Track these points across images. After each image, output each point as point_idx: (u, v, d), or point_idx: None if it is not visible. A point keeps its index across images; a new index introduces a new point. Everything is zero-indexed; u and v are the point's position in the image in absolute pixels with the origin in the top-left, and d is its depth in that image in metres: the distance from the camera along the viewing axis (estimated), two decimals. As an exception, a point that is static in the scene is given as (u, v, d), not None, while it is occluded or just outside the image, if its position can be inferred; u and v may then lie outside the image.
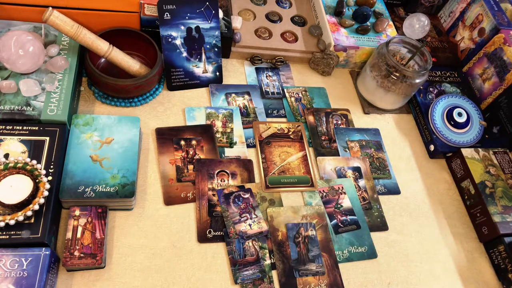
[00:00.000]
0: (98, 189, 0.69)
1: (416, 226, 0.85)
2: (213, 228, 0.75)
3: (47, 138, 0.70)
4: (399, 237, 0.83)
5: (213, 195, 0.78)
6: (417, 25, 0.95)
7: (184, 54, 0.89)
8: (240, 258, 0.72)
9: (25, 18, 0.80)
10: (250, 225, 0.75)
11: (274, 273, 0.73)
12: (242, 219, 0.75)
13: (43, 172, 0.65)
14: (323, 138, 0.92)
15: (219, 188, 0.79)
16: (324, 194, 0.84)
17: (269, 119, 0.92)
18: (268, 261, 0.73)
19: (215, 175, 0.80)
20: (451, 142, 0.94)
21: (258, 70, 0.99)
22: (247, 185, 0.80)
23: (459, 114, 0.96)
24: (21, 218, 0.60)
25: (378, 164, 0.91)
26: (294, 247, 0.75)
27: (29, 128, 0.70)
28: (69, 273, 0.66)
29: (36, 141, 0.69)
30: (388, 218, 0.85)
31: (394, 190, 0.89)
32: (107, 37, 0.81)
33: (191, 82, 0.91)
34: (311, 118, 0.94)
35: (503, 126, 0.97)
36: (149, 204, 0.75)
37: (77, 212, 0.68)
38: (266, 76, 0.99)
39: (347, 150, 0.91)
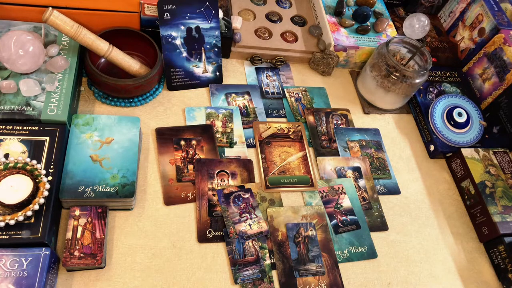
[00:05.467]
0: (98, 189, 0.69)
1: (416, 226, 0.85)
2: (213, 228, 0.75)
3: (47, 138, 0.70)
4: (399, 237, 0.83)
5: (213, 195, 0.78)
6: (417, 25, 0.95)
7: (184, 54, 0.89)
8: (240, 258, 0.72)
9: (25, 18, 0.80)
10: (250, 225, 0.75)
11: (274, 273, 0.73)
12: (242, 219, 0.75)
13: (43, 172, 0.65)
14: (323, 138, 0.92)
15: (219, 188, 0.79)
16: (324, 194, 0.84)
17: (269, 119, 0.92)
18: (268, 261, 0.73)
19: (215, 175, 0.80)
20: (451, 142, 0.94)
21: (258, 70, 0.99)
22: (247, 185, 0.80)
23: (459, 114, 0.96)
24: (21, 218, 0.60)
25: (378, 164, 0.91)
26: (294, 247, 0.75)
27: (29, 128, 0.70)
28: (69, 273, 0.66)
29: (36, 141, 0.69)
30: (388, 218, 0.85)
31: (394, 190, 0.89)
32: (107, 37, 0.81)
33: (191, 82, 0.91)
34: (311, 118, 0.94)
35: (503, 126, 0.97)
36: (149, 204, 0.75)
37: (77, 212, 0.68)
38: (266, 76, 0.99)
39: (347, 150, 0.91)
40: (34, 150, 0.68)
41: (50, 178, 0.66)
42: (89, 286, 0.65)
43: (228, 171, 0.81)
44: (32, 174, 0.64)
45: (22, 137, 0.69)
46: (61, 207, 0.71)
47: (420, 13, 0.96)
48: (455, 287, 0.80)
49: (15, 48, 0.70)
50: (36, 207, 0.61)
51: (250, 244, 0.74)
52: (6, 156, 0.67)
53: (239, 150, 0.85)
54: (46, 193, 0.63)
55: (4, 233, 0.60)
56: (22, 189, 0.63)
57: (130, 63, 0.82)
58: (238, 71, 0.98)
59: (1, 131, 0.69)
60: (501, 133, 0.97)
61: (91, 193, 0.69)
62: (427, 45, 1.13)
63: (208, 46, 0.90)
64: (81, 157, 0.72)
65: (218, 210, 0.76)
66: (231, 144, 0.85)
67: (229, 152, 0.84)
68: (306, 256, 0.75)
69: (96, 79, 0.79)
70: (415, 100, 1.02)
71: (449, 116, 0.96)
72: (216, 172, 0.80)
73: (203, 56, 0.91)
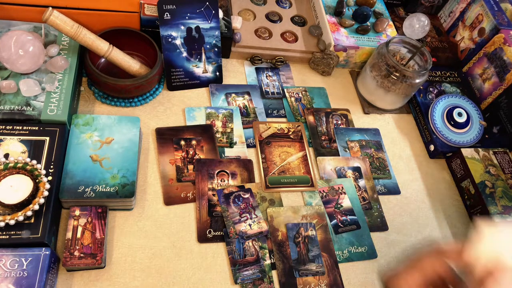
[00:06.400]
0: (98, 189, 0.69)
1: (416, 226, 0.85)
2: (213, 228, 0.75)
3: (47, 138, 0.70)
4: (399, 237, 0.83)
5: (213, 195, 0.78)
6: (417, 25, 0.95)
7: (184, 54, 0.89)
8: (240, 258, 0.72)
9: (25, 18, 0.80)
10: (250, 225, 0.75)
11: (274, 273, 0.73)
12: (242, 219, 0.75)
13: (43, 172, 0.65)
14: (323, 138, 0.92)
15: (219, 188, 0.79)
16: (324, 194, 0.84)
17: (269, 119, 0.92)
18: (268, 261, 0.73)
19: (215, 175, 0.80)
20: (451, 142, 0.94)
21: (258, 70, 0.99)
22: (247, 185, 0.80)
23: (459, 114, 0.96)
24: (21, 218, 0.60)
25: (378, 164, 0.91)
26: (294, 247, 0.75)
27: (29, 128, 0.70)
28: (69, 273, 0.66)
29: (36, 141, 0.69)
30: (388, 218, 0.85)
31: (394, 190, 0.89)
32: (107, 37, 0.81)
33: (191, 82, 0.91)
34: (311, 118, 0.94)
35: (503, 126, 0.97)
36: (149, 204, 0.75)
37: (77, 212, 0.68)
38: (266, 76, 0.99)
39: (347, 150, 0.91)
40: (34, 150, 0.68)
41: (50, 178, 0.66)
42: (89, 286, 0.65)
43: (228, 171, 0.81)
44: (32, 174, 0.64)
45: (22, 137, 0.69)
46: (61, 207, 0.71)
47: (420, 13, 0.96)
48: (455, 287, 0.80)
49: (15, 48, 0.70)
50: (36, 207, 0.61)
51: (250, 244, 0.74)
52: (6, 156, 0.67)
53: (239, 150, 0.85)
54: (46, 193, 0.63)
55: (4, 233, 0.60)
56: (22, 189, 0.63)
57: (130, 63, 0.82)
58: (238, 71, 0.98)
59: (1, 131, 0.69)
60: (501, 133, 0.97)
61: (91, 193, 0.69)
62: (427, 45, 1.13)
63: (208, 46, 0.90)
64: (81, 157, 0.72)
65: (218, 210, 0.76)
66: (231, 144, 0.85)
67: (229, 152, 0.84)
68: (306, 256, 0.75)
69: (96, 79, 0.79)
70: (415, 100, 1.02)
71: (449, 116, 0.96)
72: (216, 172, 0.80)
73: (203, 56, 0.91)
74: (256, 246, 0.74)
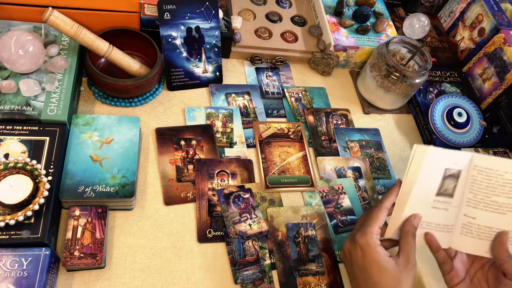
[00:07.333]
0: (98, 189, 0.69)
1: (416, 226, 0.85)
2: (213, 228, 0.75)
3: (47, 138, 0.70)
4: (399, 237, 0.83)
5: (213, 195, 0.78)
6: (417, 25, 0.95)
7: (184, 54, 0.89)
8: (240, 258, 0.72)
9: (25, 18, 0.80)
10: (250, 225, 0.75)
11: (274, 273, 0.73)
12: (242, 219, 0.75)
13: (43, 172, 0.65)
14: (323, 138, 0.92)
15: (219, 188, 0.79)
16: (324, 194, 0.84)
17: (269, 119, 0.92)
18: (268, 261, 0.73)
19: (215, 175, 0.80)
20: (451, 142, 0.94)
21: (258, 70, 0.99)
22: (247, 185, 0.80)
23: (459, 114, 0.96)
24: (21, 218, 0.60)
25: (378, 164, 0.91)
26: (294, 247, 0.75)
27: (29, 128, 0.70)
28: (69, 273, 0.66)
29: (36, 141, 0.69)
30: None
31: (394, 190, 0.89)
32: (107, 37, 0.81)
33: (191, 82, 0.91)
34: (311, 118, 0.94)
35: (503, 126, 0.97)
36: (149, 204, 0.75)
37: (77, 212, 0.68)
38: (266, 76, 0.99)
39: (347, 150, 0.91)
40: (34, 150, 0.68)
41: (50, 178, 0.66)
42: (89, 286, 0.65)
43: (228, 171, 0.81)
44: (32, 174, 0.64)
45: (22, 137, 0.69)
46: (61, 207, 0.71)
47: (420, 13, 0.96)
48: (455, 287, 0.80)
49: (15, 48, 0.70)
50: (36, 207, 0.61)
51: (250, 244, 0.74)
52: (6, 156, 0.67)
53: (239, 150, 0.85)
54: (46, 193, 0.63)
55: (4, 233, 0.60)
56: (22, 189, 0.63)
57: (130, 63, 0.82)
58: (238, 71, 0.98)
59: (1, 131, 0.69)
60: (501, 133, 0.97)
61: (91, 193, 0.69)
62: (427, 45, 1.13)
63: (208, 46, 0.90)
64: (81, 157, 0.72)
65: (218, 210, 0.76)
66: (231, 144, 0.85)
67: (229, 152, 0.84)
68: (306, 256, 0.75)
69: (96, 79, 0.79)
70: (415, 100, 1.02)
71: (449, 116, 0.96)
72: (216, 172, 0.80)
73: (203, 56, 0.91)
74: (256, 246, 0.74)
